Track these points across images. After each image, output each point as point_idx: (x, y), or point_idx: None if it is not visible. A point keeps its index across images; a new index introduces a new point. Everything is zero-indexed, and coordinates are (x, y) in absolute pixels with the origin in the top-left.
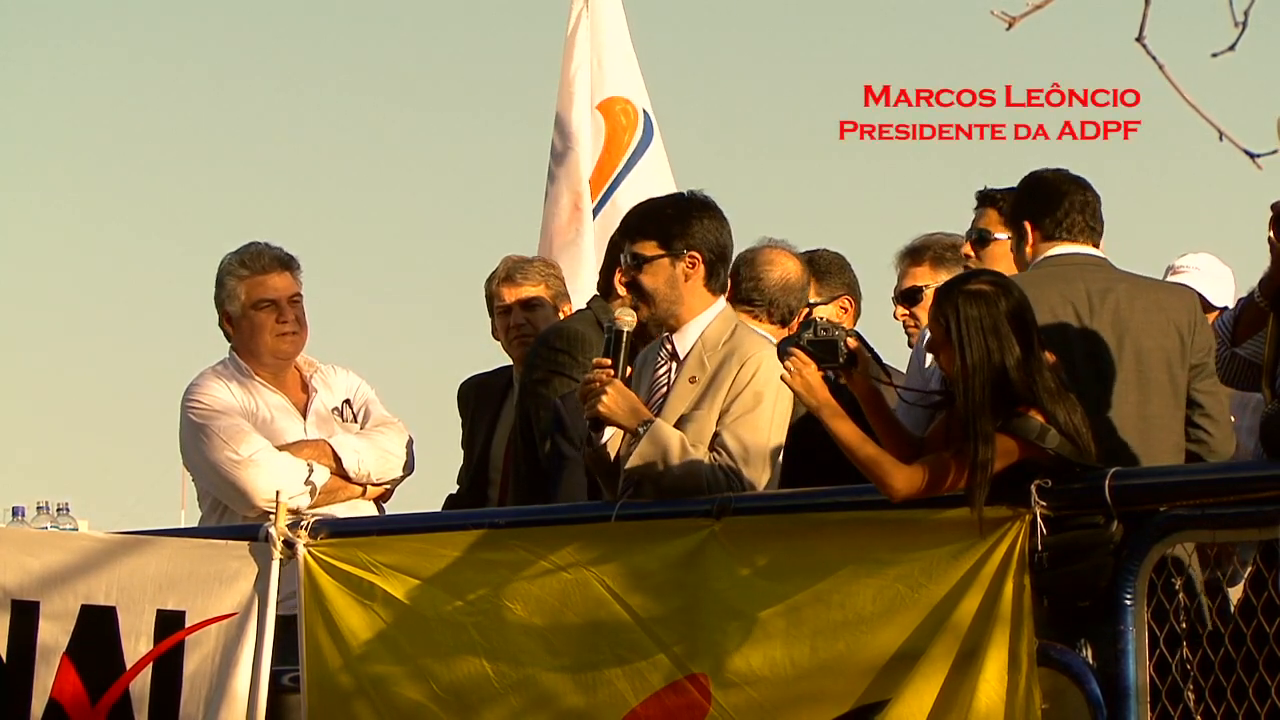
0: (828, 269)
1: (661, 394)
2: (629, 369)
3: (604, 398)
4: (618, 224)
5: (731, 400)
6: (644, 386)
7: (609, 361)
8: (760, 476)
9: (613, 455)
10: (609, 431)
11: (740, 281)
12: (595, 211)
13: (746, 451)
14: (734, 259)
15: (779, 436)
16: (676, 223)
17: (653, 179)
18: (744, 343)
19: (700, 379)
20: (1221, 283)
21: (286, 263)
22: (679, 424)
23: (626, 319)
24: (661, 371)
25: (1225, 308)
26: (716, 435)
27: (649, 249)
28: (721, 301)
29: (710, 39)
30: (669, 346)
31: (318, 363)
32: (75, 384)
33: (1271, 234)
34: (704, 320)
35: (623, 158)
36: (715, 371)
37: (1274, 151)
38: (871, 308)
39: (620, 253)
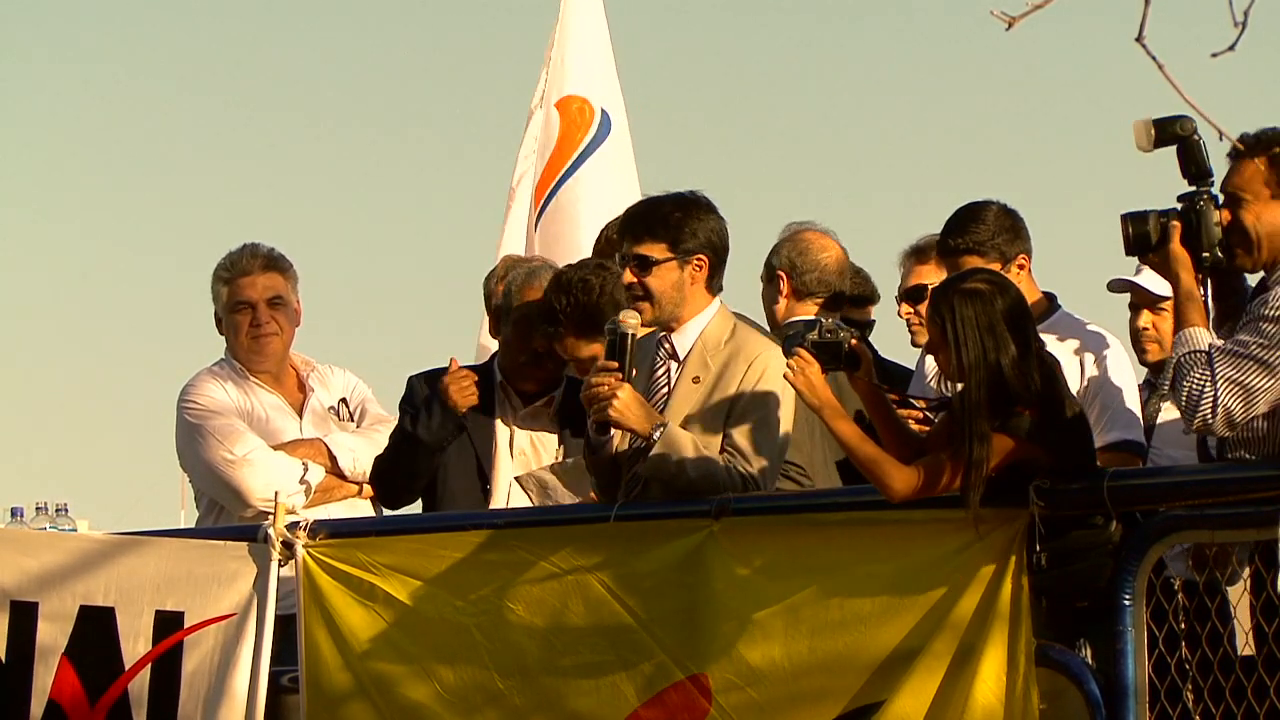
0: None
1: (663, 394)
2: (634, 371)
3: (615, 402)
4: (561, 221)
5: (739, 401)
6: (641, 387)
7: (615, 365)
8: (771, 477)
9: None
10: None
11: (801, 273)
12: (541, 209)
13: (758, 452)
14: (783, 249)
15: (785, 437)
16: (685, 225)
17: (605, 177)
18: (749, 342)
19: (705, 379)
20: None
21: (269, 264)
22: (684, 424)
23: (631, 321)
24: (660, 372)
25: None
26: (727, 436)
27: (658, 251)
28: (718, 301)
29: (691, 37)
30: (668, 346)
31: (314, 362)
32: (74, 384)
33: None
34: (703, 319)
35: (571, 155)
36: (720, 371)
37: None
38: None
39: (617, 252)
